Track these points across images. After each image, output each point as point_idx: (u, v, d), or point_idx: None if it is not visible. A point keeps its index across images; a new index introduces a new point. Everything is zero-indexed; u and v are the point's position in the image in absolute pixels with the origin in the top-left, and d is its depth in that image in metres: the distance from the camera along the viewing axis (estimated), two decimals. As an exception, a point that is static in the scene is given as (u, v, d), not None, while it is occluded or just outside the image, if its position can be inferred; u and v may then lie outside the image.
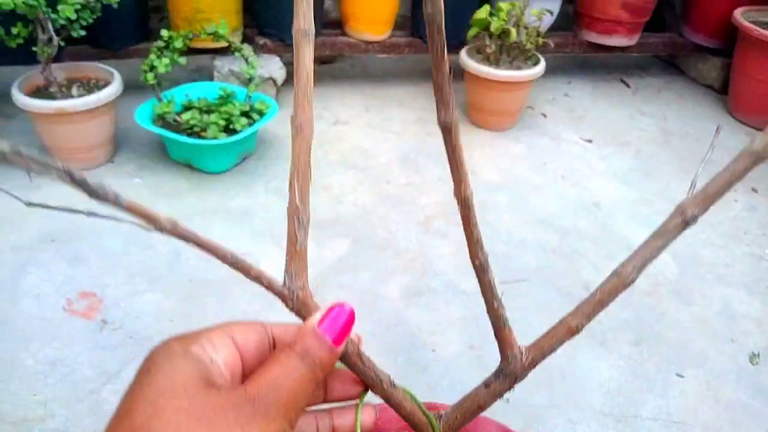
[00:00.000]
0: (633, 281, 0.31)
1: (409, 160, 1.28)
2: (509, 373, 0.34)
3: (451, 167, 0.30)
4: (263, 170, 1.20)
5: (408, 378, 0.80)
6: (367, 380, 0.31)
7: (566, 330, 0.33)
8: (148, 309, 0.88)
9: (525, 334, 0.90)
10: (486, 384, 0.35)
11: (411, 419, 0.35)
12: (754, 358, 0.88)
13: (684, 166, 1.35)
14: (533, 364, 0.34)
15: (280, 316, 0.71)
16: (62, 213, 0.99)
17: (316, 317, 0.26)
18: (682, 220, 0.30)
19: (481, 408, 0.36)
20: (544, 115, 1.52)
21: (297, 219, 0.27)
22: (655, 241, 0.32)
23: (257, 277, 0.26)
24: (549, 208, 1.17)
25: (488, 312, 0.34)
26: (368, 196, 1.15)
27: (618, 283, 0.32)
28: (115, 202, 0.23)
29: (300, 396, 0.24)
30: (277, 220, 1.06)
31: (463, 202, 0.32)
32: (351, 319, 0.27)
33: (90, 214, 0.24)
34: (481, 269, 0.33)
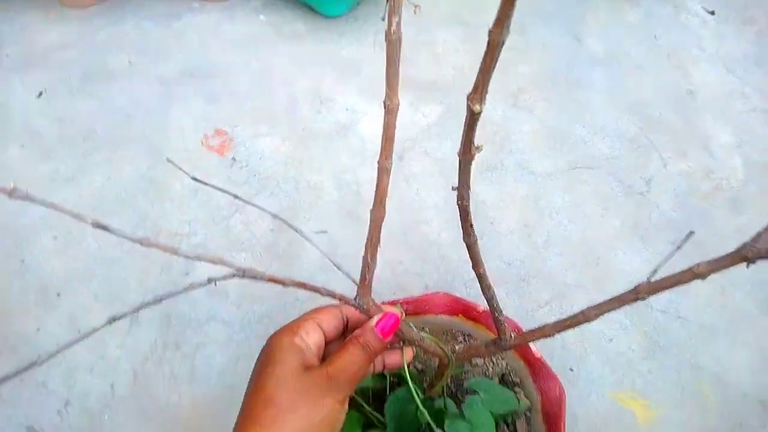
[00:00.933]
0: (593, 320, 0.46)
1: (517, 21, 1.31)
2: (501, 345, 0.50)
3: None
4: (375, 17, 1.29)
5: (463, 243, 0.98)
6: (407, 338, 0.50)
7: (542, 334, 0.48)
8: (269, 152, 1.08)
9: (577, 220, 1.06)
10: (486, 345, 0.52)
11: (436, 353, 0.53)
12: (778, 274, 0.99)
13: (803, 56, 1.30)
14: (517, 345, 0.50)
15: (371, 171, 0.94)
16: (198, 49, 1.16)
17: (374, 320, 0.46)
18: (635, 296, 0.43)
19: (480, 355, 0.53)
20: (674, -27, 1.45)
21: (368, 268, 0.43)
22: (613, 303, 0.45)
23: (340, 298, 0.43)
24: (642, 93, 1.22)
25: (493, 319, 0.48)
26: (468, 59, 1.24)
27: (582, 320, 0.46)
28: (261, 278, 0.39)
29: (359, 373, 0.44)
30: (379, 76, 1.19)
31: (463, 208, 0.45)
32: (397, 322, 0.46)
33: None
34: (480, 277, 0.47)
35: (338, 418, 0.42)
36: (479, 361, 0.72)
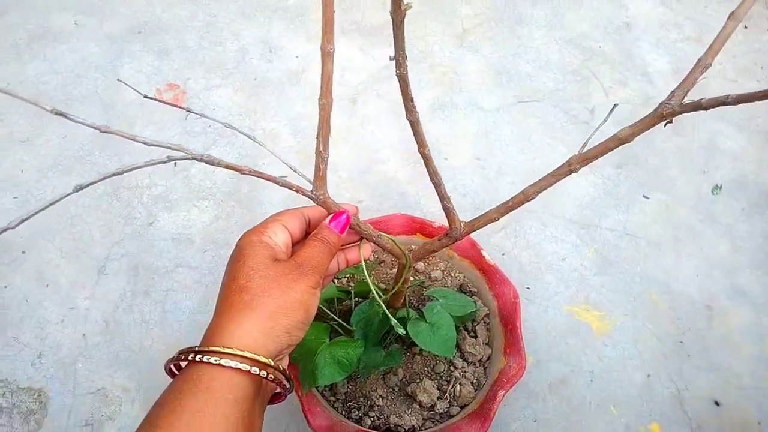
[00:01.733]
0: (532, 199, 0.49)
1: (458, -37, 1.33)
2: (452, 236, 0.53)
3: (415, 135, 0.46)
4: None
5: (422, 178, 1.02)
6: (364, 235, 0.53)
7: (488, 219, 0.51)
8: (222, 102, 1.09)
9: (526, 150, 1.10)
10: (439, 239, 0.55)
11: (393, 252, 0.56)
12: (716, 189, 1.05)
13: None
14: (467, 233, 0.54)
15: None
16: (144, 5, 1.15)
17: (327, 219, 0.49)
18: (569, 169, 0.47)
19: (435, 251, 0.57)
20: None
21: (321, 158, 0.46)
22: (549, 178, 0.48)
23: (297, 190, 0.46)
24: (581, 28, 1.26)
25: (443, 207, 0.51)
26: (413, 1, 1.25)
27: (523, 199, 0.49)
28: (218, 164, 0.42)
29: (323, 262, 0.47)
30: (330, 24, 1.20)
31: (424, 157, 0.48)
32: (348, 218, 0.50)
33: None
34: (437, 185, 0.50)
35: (311, 302, 0.45)
36: (437, 274, 0.76)
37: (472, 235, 0.89)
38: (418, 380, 0.70)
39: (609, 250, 0.97)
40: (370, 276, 0.77)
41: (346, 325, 0.65)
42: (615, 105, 0.51)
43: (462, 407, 0.68)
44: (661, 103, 0.38)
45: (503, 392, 0.64)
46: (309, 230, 0.52)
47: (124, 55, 1.14)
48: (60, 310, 0.86)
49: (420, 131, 0.43)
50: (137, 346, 0.83)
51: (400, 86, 0.40)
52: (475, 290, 0.76)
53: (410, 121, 0.43)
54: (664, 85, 1.18)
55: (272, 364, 0.42)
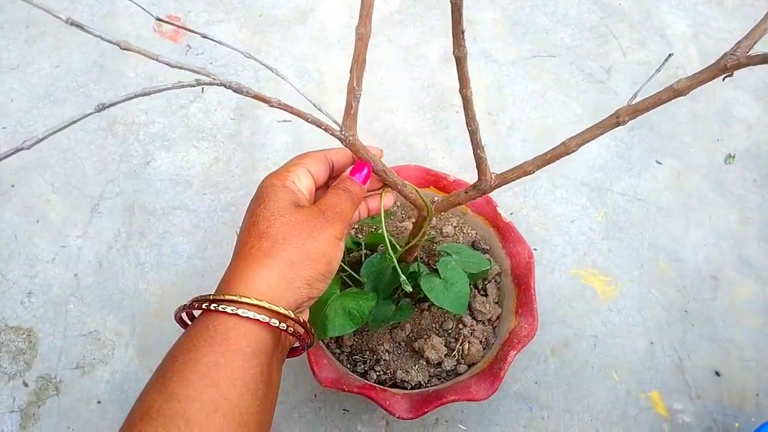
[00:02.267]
0: (573, 152, 0.46)
1: None
2: (481, 189, 0.50)
3: (460, 80, 0.42)
4: None
5: (432, 132, 0.98)
6: (388, 182, 0.50)
7: (522, 172, 0.48)
8: (225, 38, 1.03)
9: (539, 107, 1.07)
10: (465, 191, 0.52)
11: (416, 203, 0.53)
12: (729, 158, 1.03)
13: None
14: (498, 186, 0.51)
15: (333, 59, 0.92)
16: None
17: (348, 170, 0.47)
18: (616, 121, 0.44)
19: (460, 203, 0.54)
20: None
21: (353, 95, 0.42)
22: (593, 131, 0.45)
23: (326, 129, 0.42)
24: (601, -18, 1.21)
25: (474, 154, 0.47)
26: (429, -54, 1.19)
27: (563, 151, 0.46)
28: (247, 94, 0.38)
29: (347, 211, 0.44)
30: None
31: (464, 99, 0.44)
32: (369, 172, 0.47)
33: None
34: (472, 133, 0.46)
35: (334, 253, 0.42)
36: (449, 230, 0.74)
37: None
38: (425, 336, 0.68)
39: (618, 215, 0.95)
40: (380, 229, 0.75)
41: (357, 276, 0.62)
42: (670, 55, 0.47)
43: (470, 366, 0.67)
44: (725, 54, 0.35)
45: (515, 352, 0.63)
46: (333, 174, 0.49)
47: (121, -15, 1.07)
48: (51, 248, 0.82)
49: (465, 69, 0.40)
50: (131, 290, 0.80)
51: (452, 15, 0.36)
52: (488, 248, 0.74)
53: (456, 57, 0.39)
54: (683, 48, 1.14)
55: (292, 315, 0.39)
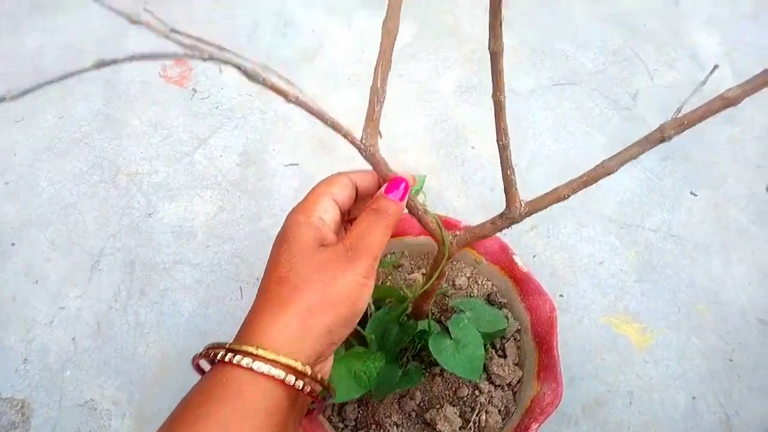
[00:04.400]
0: (613, 173, 0.41)
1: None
2: (510, 217, 0.44)
3: (493, 77, 0.38)
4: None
5: (446, 169, 0.93)
6: (408, 207, 0.45)
7: (557, 197, 0.42)
8: (232, 82, 1.00)
9: (560, 139, 1.01)
10: (492, 222, 0.46)
11: (434, 235, 0.48)
12: (771, 185, 0.95)
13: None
14: (528, 214, 0.44)
15: (344, 96, 0.87)
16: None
17: (382, 189, 0.42)
18: (660, 137, 0.39)
19: (486, 236, 0.48)
20: None
21: (377, 97, 0.38)
22: (636, 147, 0.39)
23: (346, 135, 0.37)
24: (626, 3, 1.14)
25: (503, 177, 0.43)
26: (441, -26, 1.15)
27: (602, 173, 0.41)
28: (263, 83, 0.32)
29: (379, 240, 0.40)
30: (349, -4, 1.10)
31: (497, 103, 0.39)
32: (407, 187, 0.42)
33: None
34: (503, 148, 0.42)
35: (360, 293, 0.38)
36: (462, 281, 0.68)
37: (502, 236, 0.80)
38: (438, 406, 0.62)
39: (652, 254, 0.88)
40: (388, 279, 0.69)
41: (362, 331, 0.57)
42: (715, 66, 0.42)
43: (487, 439, 0.61)
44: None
45: (536, 425, 0.56)
46: (356, 202, 0.45)
47: (129, 28, 1.05)
48: (49, 310, 0.79)
49: (501, 68, 0.36)
50: (130, 353, 0.76)
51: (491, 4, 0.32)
52: (505, 301, 0.68)
53: (492, 52, 0.35)
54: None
55: (309, 372, 0.36)
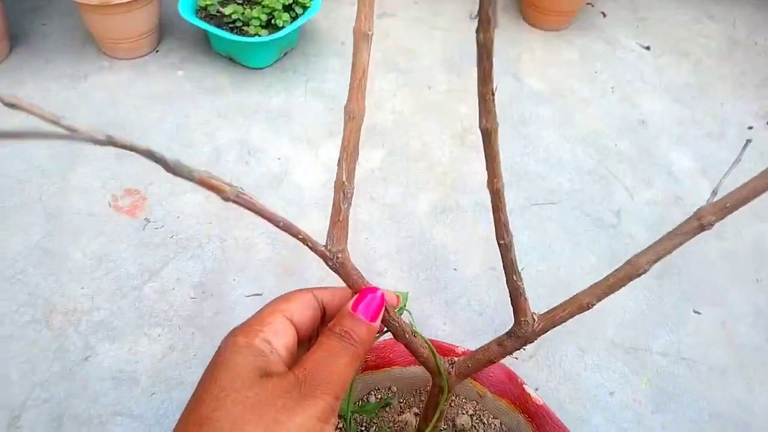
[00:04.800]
0: (645, 272, 0.33)
1: (453, 63, 1.24)
2: (521, 336, 0.35)
3: (487, 163, 0.30)
4: (304, 68, 1.18)
5: (429, 294, 0.84)
6: (392, 330, 0.34)
7: (578, 307, 0.34)
8: (190, 210, 0.92)
9: (547, 258, 0.93)
10: (499, 342, 0.37)
11: (427, 364, 0.38)
12: (776, 300, 0.88)
13: (743, 82, 1.27)
14: (543, 331, 0.36)
15: (311, 221, 0.77)
16: (108, 106, 1.02)
17: (350, 303, 0.31)
18: (699, 225, 0.31)
19: (492, 362, 0.38)
20: (604, 14, 1.43)
21: (343, 193, 0.30)
22: (670, 240, 0.33)
23: (303, 240, 0.29)
24: (593, 125, 1.14)
25: (507, 284, 0.34)
26: (407, 103, 1.14)
27: (631, 272, 0.33)
28: (189, 177, 0.24)
29: (342, 374, 0.29)
30: (314, 124, 1.07)
31: (495, 193, 0.33)
32: (382, 301, 0.32)
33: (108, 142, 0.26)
34: (505, 248, 0.34)
35: None
36: (465, 420, 0.56)
37: (504, 363, 0.69)
38: None
39: (665, 380, 0.78)
40: (373, 425, 0.57)
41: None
42: (748, 141, 0.35)
43: None
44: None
45: None
46: (323, 321, 0.34)
47: (77, 159, 0.98)
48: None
49: (495, 145, 0.28)
50: None
51: (479, 61, 0.25)
52: (519, 444, 0.56)
53: (484, 131, 0.28)
54: (692, 184, 1.04)
55: None
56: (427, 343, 0.38)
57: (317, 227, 0.90)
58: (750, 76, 1.29)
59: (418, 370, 0.58)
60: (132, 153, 0.22)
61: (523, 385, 0.56)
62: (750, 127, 1.17)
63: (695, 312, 0.86)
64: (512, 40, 1.32)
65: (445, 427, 0.57)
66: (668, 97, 1.22)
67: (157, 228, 0.89)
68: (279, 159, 1.01)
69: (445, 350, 0.57)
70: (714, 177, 1.06)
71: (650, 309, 0.86)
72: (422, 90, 1.17)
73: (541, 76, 1.23)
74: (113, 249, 0.86)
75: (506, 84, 1.21)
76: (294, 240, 0.75)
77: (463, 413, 0.57)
